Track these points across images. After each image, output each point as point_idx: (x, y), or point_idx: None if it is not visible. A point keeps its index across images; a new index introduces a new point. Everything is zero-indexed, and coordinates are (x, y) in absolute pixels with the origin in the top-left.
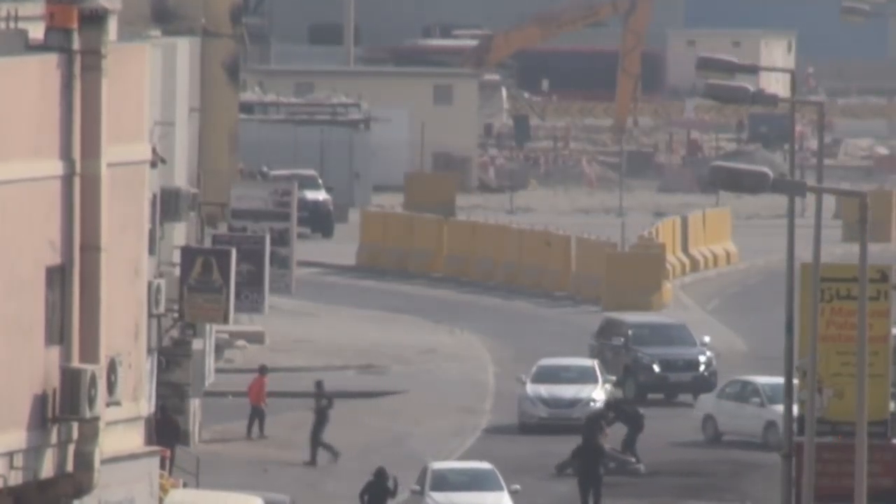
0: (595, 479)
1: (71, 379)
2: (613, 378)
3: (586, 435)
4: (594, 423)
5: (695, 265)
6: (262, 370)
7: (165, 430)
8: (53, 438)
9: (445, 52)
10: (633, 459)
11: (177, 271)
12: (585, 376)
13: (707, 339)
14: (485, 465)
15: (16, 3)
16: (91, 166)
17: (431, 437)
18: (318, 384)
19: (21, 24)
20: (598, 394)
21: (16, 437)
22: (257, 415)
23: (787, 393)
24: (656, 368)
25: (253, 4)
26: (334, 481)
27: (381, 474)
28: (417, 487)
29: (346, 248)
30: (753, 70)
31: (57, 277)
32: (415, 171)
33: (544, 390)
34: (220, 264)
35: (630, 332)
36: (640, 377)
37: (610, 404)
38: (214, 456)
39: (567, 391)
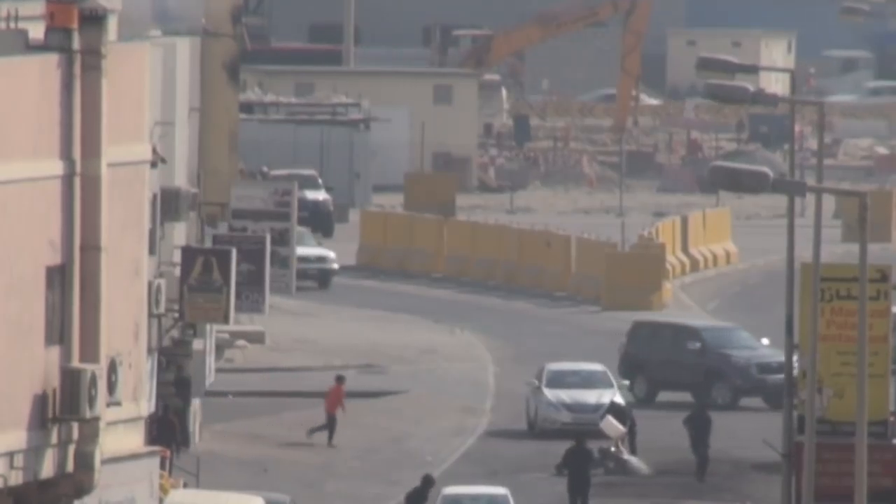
0: (583, 483)
1: (71, 379)
2: (626, 382)
3: (577, 439)
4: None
5: (695, 265)
6: (340, 379)
7: (163, 429)
8: (54, 438)
9: (305, 53)
10: (634, 459)
11: (177, 271)
12: (601, 381)
13: (766, 341)
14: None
15: (16, 3)
16: (91, 166)
17: (431, 437)
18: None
19: (21, 24)
20: (618, 398)
21: (16, 437)
22: (332, 423)
23: (788, 392)
24: (754, 371)
25: (253, 4)
26: (334, 481)
27: (427, 481)
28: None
29: (346, 248)
30: (753, 70)
31: (57, 277)
32: (415, 171)
33: (565, 395)
34: (221, 264)
35: (705, 335)
36: (737, 381)
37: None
38: (214, 456)
39: (589, 396)
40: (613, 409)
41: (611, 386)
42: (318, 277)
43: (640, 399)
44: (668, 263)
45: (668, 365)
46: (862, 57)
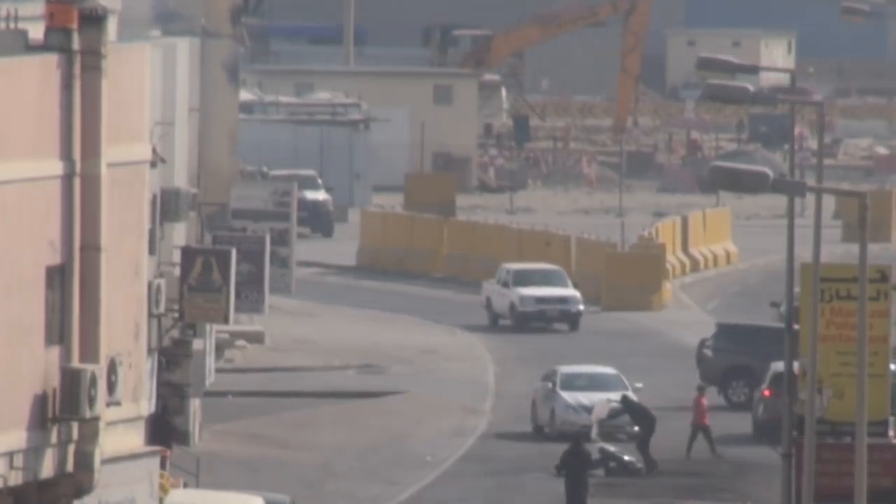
0: (581, 484)
1: (71, 379)
2: (640, 385)
3: (575, 440)
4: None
5: (695, 265)
6: (701, 389)
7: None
8: (53, 438)
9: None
10: (634, 459)
11: (177, 271)
12: (615, 383)
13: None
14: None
15: (16, 3)
16: (91, 166)
17: (431, 437)
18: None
19: (21, 24)
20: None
21: (16, 437)
22: (702, 432)
23: (788, 392)
24: None
25: (253, 4)
26: (334, 481)
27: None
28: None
29: (346, 248)
30: (753, 70)
31: (57, 277)
32: (415, 171)
33: (583, 397)
34: (220, 264)
35: None
36: None
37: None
38: (214, 456)
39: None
40: (635, 407)
41: (625, 388)
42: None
43: None
44: (668, 263)
45: (732, 369)
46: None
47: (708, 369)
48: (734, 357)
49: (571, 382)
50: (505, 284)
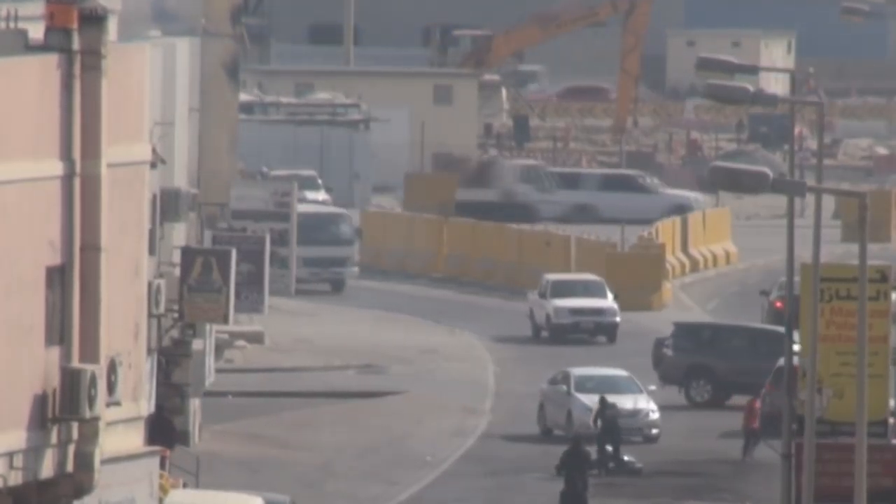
0: (581, 485)
1: (71, 379)
2: (653, 387)
3: (575, 440)
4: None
5: (695, 265)
6: (758, 393)
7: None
8: (53, 438)
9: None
10: (634, 459)
11: (177, 271)
12: (630, 386)
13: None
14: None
15: (16, 3)
16: (91, 166)
17: (431, 437)
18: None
19: (21, 24)
20: (652, 404)
21: (16, 437)
22: (751, 436)
23: (788, 392)
24: None
25: (253, 4)
26: (334, 481)
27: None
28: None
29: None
30: (753, 70)
31: (57, 277)
32: (415, 171)
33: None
34: (220, 264)
35: None
36: None
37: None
38: (214, 456)
39: (626, 401)
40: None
41: (640, 391)
42: None
43: None
44: (668, 263)
45: None
46: None
47: (669, 369)
48: (695, 356)
49: (586, 385)
50: (543, 295)
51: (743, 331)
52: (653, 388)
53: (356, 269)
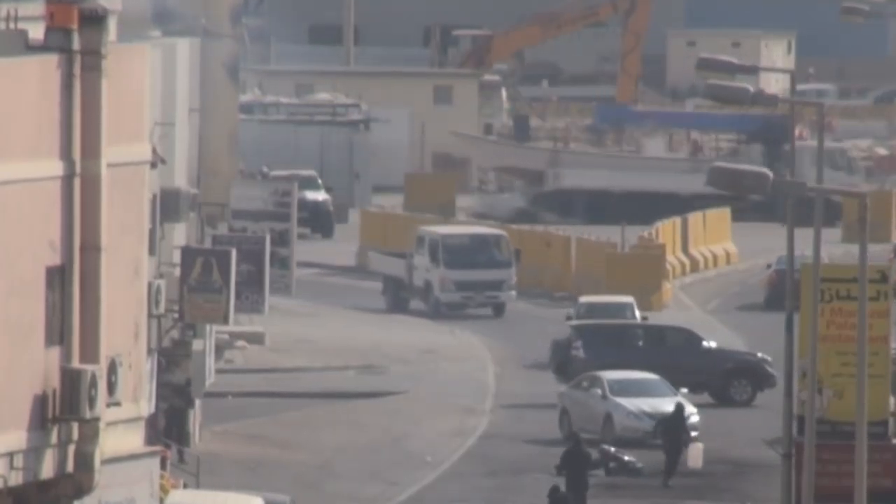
0: (581, 485)
1: (71, 379)
2: (685, 390)
3: (575, 440)
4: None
5: (695, 265)
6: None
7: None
8: (54, 439)
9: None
10: (634, 459)
11: (177, 271)
12: (663, 389)
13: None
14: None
15: (16, 3)
16: (91, 166)
17: (431, 437)
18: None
19: (21, 24)
20: (691, 406)
21: (16, 438)
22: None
23: (787, 392)
24: None
25: (253, 4)
26: (334, 481)
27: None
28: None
29: (346, 248)
30: (753, 70)
31: (57, 277)
32: (415, 172)
33: (643, 404)
34: (220, 265)
35: None
36: None
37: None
38: (214, 456)
39: (666, 404)
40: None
41: (674, 394)
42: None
43: None
44: (668, 264)
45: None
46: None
47: (580, 370)
48: (606, 356)
49: (621, 388)
50: (571, 318)
51: (650, 329)
52: (684, 390)
53: (513, 292)
